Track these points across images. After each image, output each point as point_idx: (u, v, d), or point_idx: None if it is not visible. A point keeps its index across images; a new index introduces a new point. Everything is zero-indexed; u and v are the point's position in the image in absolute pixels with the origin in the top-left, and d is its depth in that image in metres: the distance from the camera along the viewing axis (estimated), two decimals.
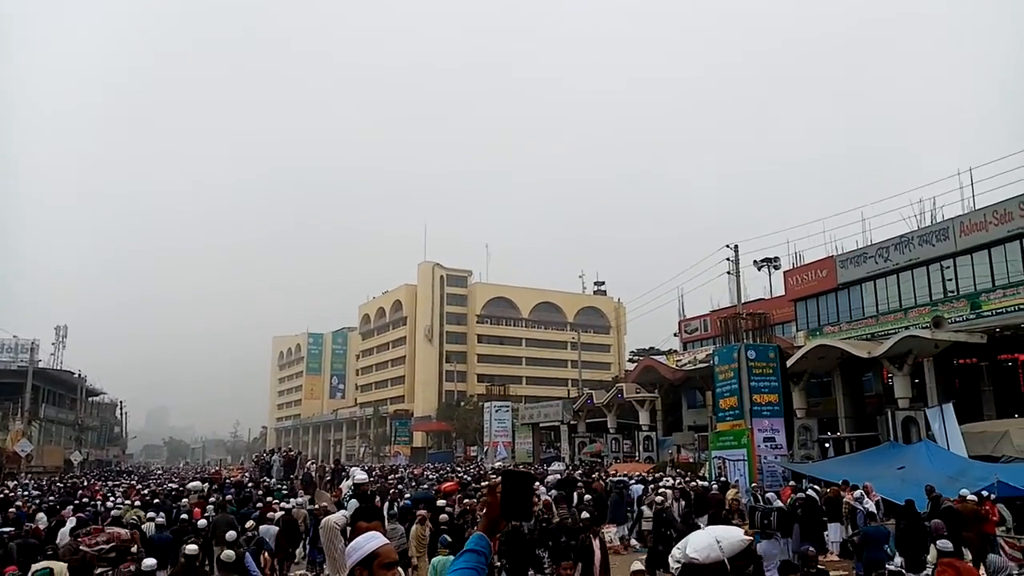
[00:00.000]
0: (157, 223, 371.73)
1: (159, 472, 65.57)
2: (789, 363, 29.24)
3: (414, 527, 12.36)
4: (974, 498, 14.47)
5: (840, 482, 18.10)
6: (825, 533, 16.52)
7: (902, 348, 25.24)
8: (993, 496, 15.16)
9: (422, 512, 12.73)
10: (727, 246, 33.02)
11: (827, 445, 29.67)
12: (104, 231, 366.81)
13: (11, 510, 17.46)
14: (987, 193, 29.91)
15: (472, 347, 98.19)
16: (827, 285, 36.56)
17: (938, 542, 9.51)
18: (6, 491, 27.97)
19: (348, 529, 8.03)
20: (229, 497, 19.51)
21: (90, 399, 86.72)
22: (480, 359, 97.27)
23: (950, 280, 30.29)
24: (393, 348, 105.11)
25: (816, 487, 18.67)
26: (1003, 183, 29.64)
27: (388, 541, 2.84)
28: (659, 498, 16.37)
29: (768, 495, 18.73)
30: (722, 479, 23.99)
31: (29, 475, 46.86)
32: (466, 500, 15.72)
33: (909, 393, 25.60)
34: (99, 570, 9.31)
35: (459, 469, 40.61)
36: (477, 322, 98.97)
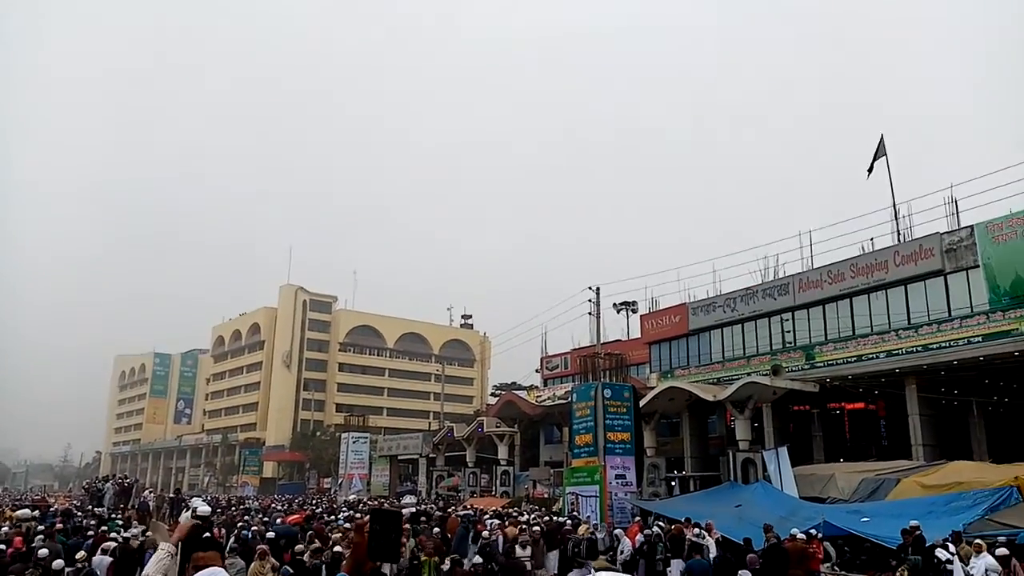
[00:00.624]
0: None
1: None
2: (642, 403, 30.39)
3: (254, 563, 11.30)
4: (803, 536, 15.50)
5: (683, 519, 18.91)
6: (668, 569, 17.17)
7: (744, 393, 26.84)
8: (820, 535, 16.31)
9: (262, 547, 11.77)
10: (590, 288, 34.17)
11: (673, 483, 30.92)
12: None
13: None
14: (825, 253, 32.70)
15: (332, 375, 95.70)
16: (680, 330, 38.47)
17: (739, 572, 10.13)
18: None
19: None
20: (59, 526, 18.13)
21: None
22: (340, 388, 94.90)
23: (789, 332, 32.70)
24: (248, 373, 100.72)
25: (661, 524, 19.42)
26: (839, 245, 32.54)
27: None
28: (486, 532, 16.60)
29: (616, 531, 19.33)
30: (575, 514, 24.51)
31: None
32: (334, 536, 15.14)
33: (749, 436, 27.19)
34: None
35: (313, 501, 39.23)
36: (340, 350, 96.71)
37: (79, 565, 12.37)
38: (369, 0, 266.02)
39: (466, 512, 24.41)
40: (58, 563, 10.63)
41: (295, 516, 25.53)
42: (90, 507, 28.84)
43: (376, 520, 2.25)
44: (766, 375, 26.93)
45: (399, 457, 55.77)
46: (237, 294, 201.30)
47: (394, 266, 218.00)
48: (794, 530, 15.86)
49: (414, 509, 27.12)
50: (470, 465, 44.43)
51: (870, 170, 32.82)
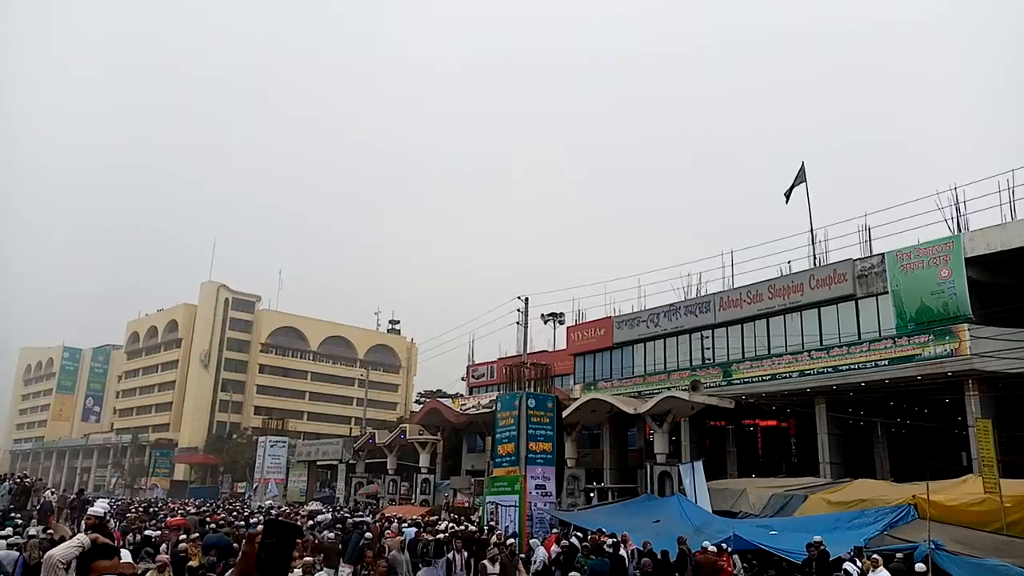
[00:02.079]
0: None
1: None
2: (565, 414, 30.66)
3: (151, 573, 10.39)
4: (714, 549, 15.91)
5: (596, 530, 19.11)
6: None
7: (663, 407, 27.39)
8: (730, 548, 16.76)
9: (163, 558, 11.00)
10: (518, 298, 34.37)
11: (592, 494, 31.27)
12: None
13: None
14: (745, 273, 33.69)
15: (252, 377, 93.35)
16: (604, 343, 39.03)
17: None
18: None
19: (74, 564, 7.35)
20: None
21: None
22: (260, 390, 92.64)
23: (708, 348, 33.56)
24: (163, 371, 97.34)
25: (579, 534, 19.61)
26: (759, 267, 33.60)
27: None
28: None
29: (532, 541, 19.46)
30: (492, 524, 24.51)
31: None
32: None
33: (667, 449, 27.74)
34: None
35: (228, 506, 38.09)
36: (261, 351, 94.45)
37: None
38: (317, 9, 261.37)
39: (358, 518, 24.09)
40: None
41: (176, 519, 24.61)
42: None
43: (270, 532, 2.18)
44: (685, 390, 27.53)
45: (318, 463, 54.79)
46: (153, 290, 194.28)
47: (320, 269, 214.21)
48: (706, 543, 16.26)
49: (328, 515, 26.64)
50: (391, 472, 43.93)
51: (787, 196, 34.06)
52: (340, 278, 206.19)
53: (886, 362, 25.09)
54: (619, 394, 33.38)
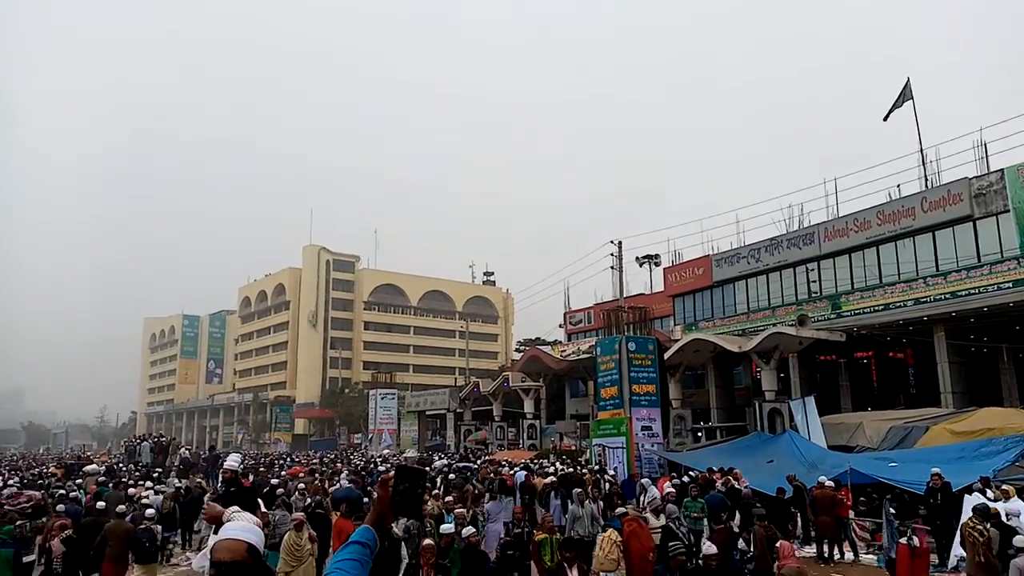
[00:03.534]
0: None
1: (16, 458, 61.00)
2: (667, 355, 30.53)
3: (288, 534, 10.15)
4: (831, 484, 15.66)
5: (706, 469, 19.07)
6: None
7: (770, 344, 26.84)
8: (847, 483, 16.46)
9: (298, 516, 10.61)
10: (611, 242, 34.00)
11: (700, 434, 31.18)
12: None
13: None
14: (850, 201, 32.20)
15: (358, 334, 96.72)
16: (703, 282, 38.33)
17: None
18: None
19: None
20: (103, 479, 20.63)
21: None
22: (366, 346, 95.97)
23: (814, 282, 32.45)
24: (275, 333, 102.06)
25: (692, 473, 19.67)
26: (865, 193, 32.03)
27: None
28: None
29: (643, 480, 19.64)
30: (600, 466, 24.85)
31: None
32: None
33: (775, 386, 27.26)
34: (19, 521, 11.70)
35: (348, 457, 40.06)
36: (364, 308, 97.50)
37: (141, 501, 15.30)
38: None
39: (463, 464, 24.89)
40: (121, 508, 12.74)
41: (296, 468, 26.03)
42: (130, 464, 29.82)
43: (400, 477, 2.33)
44: (792, 325, 26.89)
45: (427, 412, 56.63)
46: (262, 256, 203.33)
47: (414, 226, 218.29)
48: (822, 478, 16.01)
49: (443, 462, 27.62)
50: (497, 419, 45.02)
51: (887, 115, 32.16)
52: (431, 234, 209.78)
53: (1009, 285, 23.70)
54: (722, 333, 32.90)
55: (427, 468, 24.42)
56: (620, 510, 12.31)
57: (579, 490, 14.07)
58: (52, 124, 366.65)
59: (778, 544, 10.25)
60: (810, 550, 15.48)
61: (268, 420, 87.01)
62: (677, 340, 32.88)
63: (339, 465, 29.05)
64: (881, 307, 27.99)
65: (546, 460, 29.35)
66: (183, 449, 38.06)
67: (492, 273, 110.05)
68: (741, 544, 11.39)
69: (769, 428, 25.36)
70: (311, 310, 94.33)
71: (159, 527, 13.49)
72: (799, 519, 16.49)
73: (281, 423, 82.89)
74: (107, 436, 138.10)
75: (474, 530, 10.54)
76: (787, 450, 21.20)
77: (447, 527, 9.92)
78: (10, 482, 20.76)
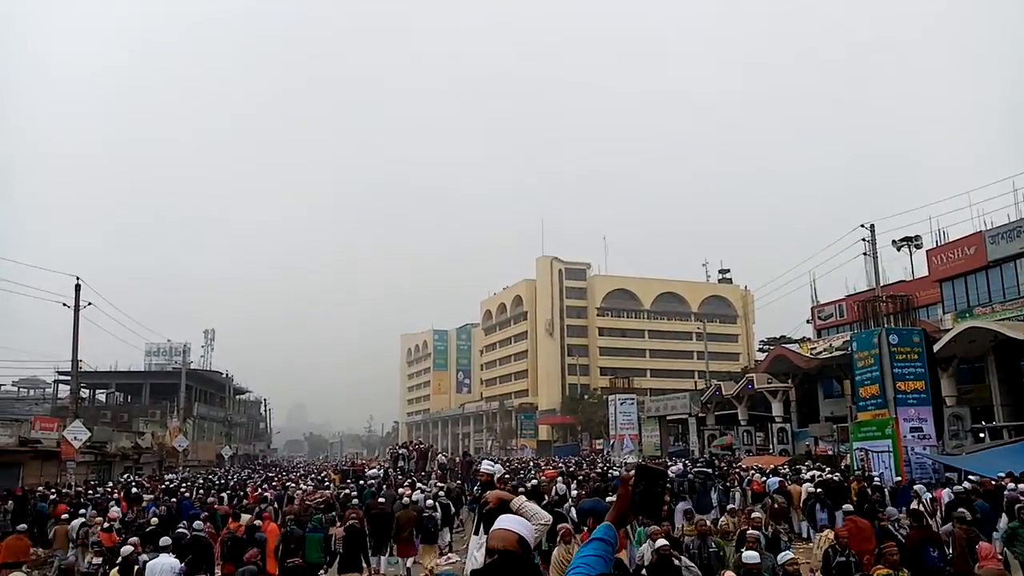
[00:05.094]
0: (280, 243, 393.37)
1: (301, 465, 68.99)
2: (936, 348, 27.34)
3: (557, 549, 9.28)
4: None
5: (997, 476, 16.68)
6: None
7: None
8: None
9: (565, 527, 9.60)
10: (862, 226, 31.18)
11: (982, 435, 27.53)
12: (246, 250, 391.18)
13: (173, 499, 20.13)
14: None
15: (593, 340, 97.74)
16: (976, 263, 33.91)
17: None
18: (168, 482, 30.61)
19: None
20: (373, 481, 24.47)
21: (237, 397, 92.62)
22: (602, 352, 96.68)
23: None
24: (515, 343, 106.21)
25: (972, 478, 17.32)
26: None
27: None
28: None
29: (917, 487, 17.58)
30: (863, 472, 22.71)
31: (187, 468, 50.54)
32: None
33: None
34: (316, 515, 15.22)
35: (588, 462, 40.53)
36: (597, 315, 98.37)
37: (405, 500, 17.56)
38: None
39: (700, 468, 23.70)
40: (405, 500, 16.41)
41: (550, 471, 26.54)
42: (396, 469, 32.53)
43: (641, 476, 2.23)
44: None
45: (667, 417, 55.66)
46: (501, 270, 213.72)
47: (641, 227, 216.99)
48: None
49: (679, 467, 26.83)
50: (743, 423, 43.14)
51: None
52: (661, 236, 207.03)
53: None
54: (1002, 319, 28.86)
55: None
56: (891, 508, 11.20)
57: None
58: (317, 160, 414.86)
59: (978, 545, 9.48)
60: None
61: (514, 427, 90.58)
62: (948, 330, 29.41)
63: (586, 469, 29.43)
64: None
65: (801, 466, 27.54)
66: (440, 455, 40.65)
67: (728, 270, 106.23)
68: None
69: None
70: (547, 319, 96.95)
71: (438, 515, 16.21)
72: None
73: (526, 429, 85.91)
74: (374, 444, 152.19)
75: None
76: None
77: (751, 556, 8.56)
78: (301, 485, 26.01)
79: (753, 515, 11.23)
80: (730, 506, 15.94)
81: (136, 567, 9.20)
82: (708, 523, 11.33)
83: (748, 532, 9.93)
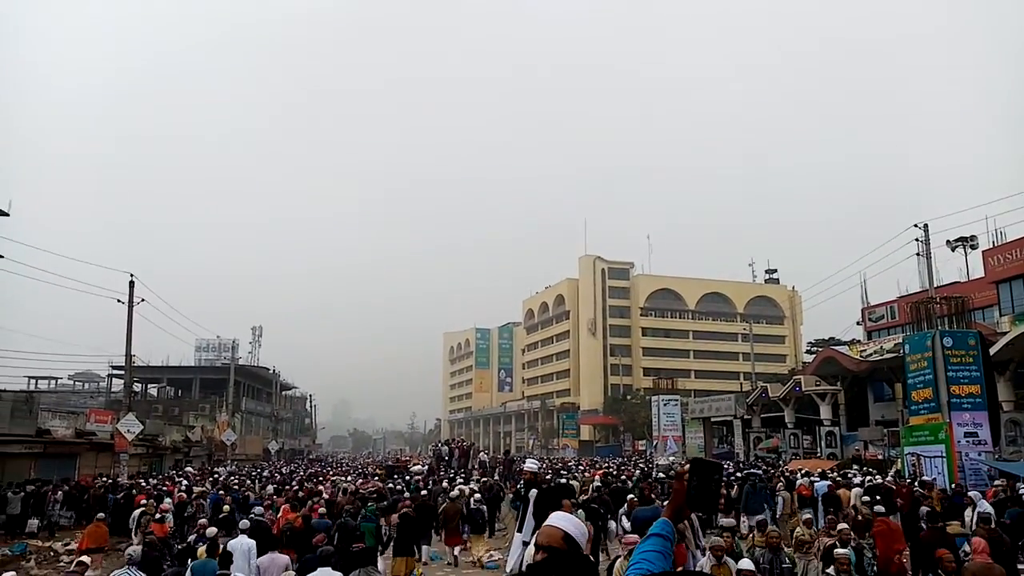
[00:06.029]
0: (330, 240, 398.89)
1: (345, 460, 70.02)
2: (992, 351, 26.69)
3: (618, 562, 8.62)
4: None
5: None
6: None
7: None
8: None
9: (632, 538, 8.50)
10: (915, 226, 30.51)
11: None
12: (291, 249, 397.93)
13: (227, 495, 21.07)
14: None
15: (636, 340, 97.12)
16: None
17: None
18: (216, 475, 31.44)
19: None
20: (419, 477, 26.08)
21: (283, 393, 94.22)
22: (645, 352, 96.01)
23: None
24: (557, 342, 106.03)
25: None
26: None
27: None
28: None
29: (971, 494, 17.21)
30: (914, 477, 22.28)
31: (234, 462, 51.69)
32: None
33: None
34: (370, 505, 15.72)
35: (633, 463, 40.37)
36: (641, 315, 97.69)
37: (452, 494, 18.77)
38: None
39: (751, 470, 23.59)
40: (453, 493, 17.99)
41: (596, 472, 26.66)
42: (439, 466, 32.84)
43: (696, 470, 2.28)
44: None
45: (712, 419, 55.10)
46: (543, 269, 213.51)
47: (686, 227, 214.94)
48: None
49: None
50: (789, 426, 42.53)
51: None
52: (704, 234, 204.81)
53: None
54: None
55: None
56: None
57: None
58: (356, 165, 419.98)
59: (973, 539, 9.25)
60: None
61: (555, 426, 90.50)
62: (1005, 333, 28.64)
63: (632, 469, 29.34)
64: None
65: (850, 470, 27.11)
66: (482, 453, 40.92)
67: (775, 271, 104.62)
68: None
69: None
70: (590, 318, 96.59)
71: (485, 507, 17.77)
72: None
73: (568, 429, 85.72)
74: (416, 441, 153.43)
75: None
76: None
77: (745, 564, 7.99)
78: (347, 478, 27.08)
79: (839, 528, 10.11)
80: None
81: (220, 547, 10.16)
82: (776, 533, 10.76)
83: (837, 551, 8.95)
